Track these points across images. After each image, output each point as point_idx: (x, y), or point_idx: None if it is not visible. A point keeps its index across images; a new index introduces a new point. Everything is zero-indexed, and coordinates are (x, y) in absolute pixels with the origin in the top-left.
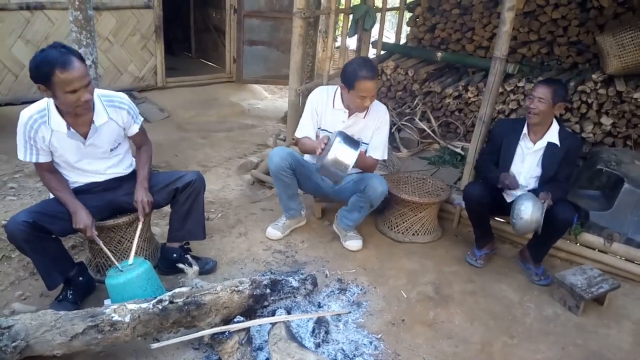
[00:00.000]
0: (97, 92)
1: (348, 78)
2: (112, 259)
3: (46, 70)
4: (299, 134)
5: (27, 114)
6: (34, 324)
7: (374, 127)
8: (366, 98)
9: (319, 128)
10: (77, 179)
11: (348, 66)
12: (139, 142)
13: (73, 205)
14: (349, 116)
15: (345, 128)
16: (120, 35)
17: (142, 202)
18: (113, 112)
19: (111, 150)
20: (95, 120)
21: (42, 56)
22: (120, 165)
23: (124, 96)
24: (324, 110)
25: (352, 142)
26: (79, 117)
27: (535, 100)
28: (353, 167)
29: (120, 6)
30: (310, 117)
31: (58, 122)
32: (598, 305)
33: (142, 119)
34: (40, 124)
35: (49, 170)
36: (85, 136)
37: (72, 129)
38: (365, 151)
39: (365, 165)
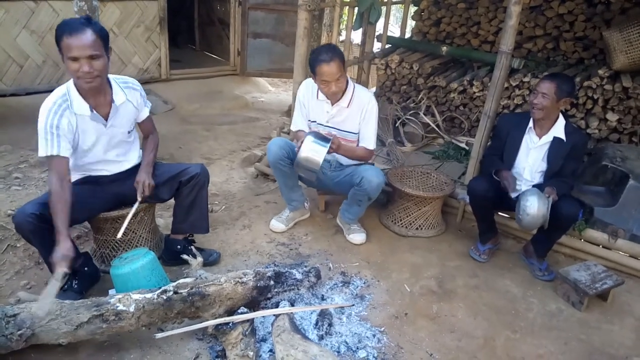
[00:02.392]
0: (111, 76)
1: (310, 64)
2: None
3: (59, 32)
4: (293, 127)
5: (50, 100)
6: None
7: (360, 116)
8: (330, 83)
9: (309, 120)
10: (89, 168)
11: (311, 54)
12: (147, 130)
13: (63, 233)
14: (332, 106)
15: (330, 118)
16: (125, 26)
17: (142, 184)
18: (129, 92)
19: (129, 132)
20: (115, 99)
21: (63, 22)
22: (130, 153)
23: (135, 80)
24: (309, 102)
25: (322, 139)
26: (99, 97)
27: (539, 95)
28: (349, 160)
29: None
30: (300, 111)
31: (81, 105)
32: (602, 301)
33: (150, 104)
34: (65, 109)
35: (60, 177)
36: (106, 117)
37: (94, 111)
38: (357, 142)
39: (357, 156)
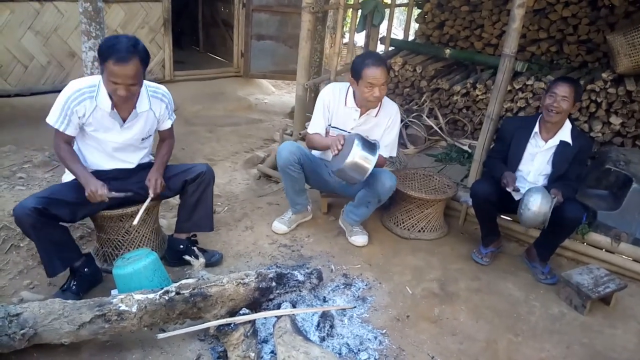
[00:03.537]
0: (144, 82)
1: (356, 68)
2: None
3: (106, 54)
4: (310, 130)
5: (77, 85)
6: (43, 312)
7: (385, 126)
8: (374, 87)
9: (329, 125)
10: (98, 162)
11: (356, 58)
12: (165, 136)
13: (84, 176)
14: (361, 115)
15: (356, 126)
16: (129, 27)
17: (155, 182)
18: (155, 102)
19: (142, 139)
20: (138, 106)
21: (112, 42)
22: (134, 156)
23: (167, 91)
24: (336, 108)
25: (370, 145)
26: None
27: (559, 98)
28: None
29: None
30: (322, 114)
31: (105, 100)
32: (604, 305)
33: (175, 117)
34: (87, 98)
35: (67, 142)
36: (124, 120)
37: (115, 110)
38: None
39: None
